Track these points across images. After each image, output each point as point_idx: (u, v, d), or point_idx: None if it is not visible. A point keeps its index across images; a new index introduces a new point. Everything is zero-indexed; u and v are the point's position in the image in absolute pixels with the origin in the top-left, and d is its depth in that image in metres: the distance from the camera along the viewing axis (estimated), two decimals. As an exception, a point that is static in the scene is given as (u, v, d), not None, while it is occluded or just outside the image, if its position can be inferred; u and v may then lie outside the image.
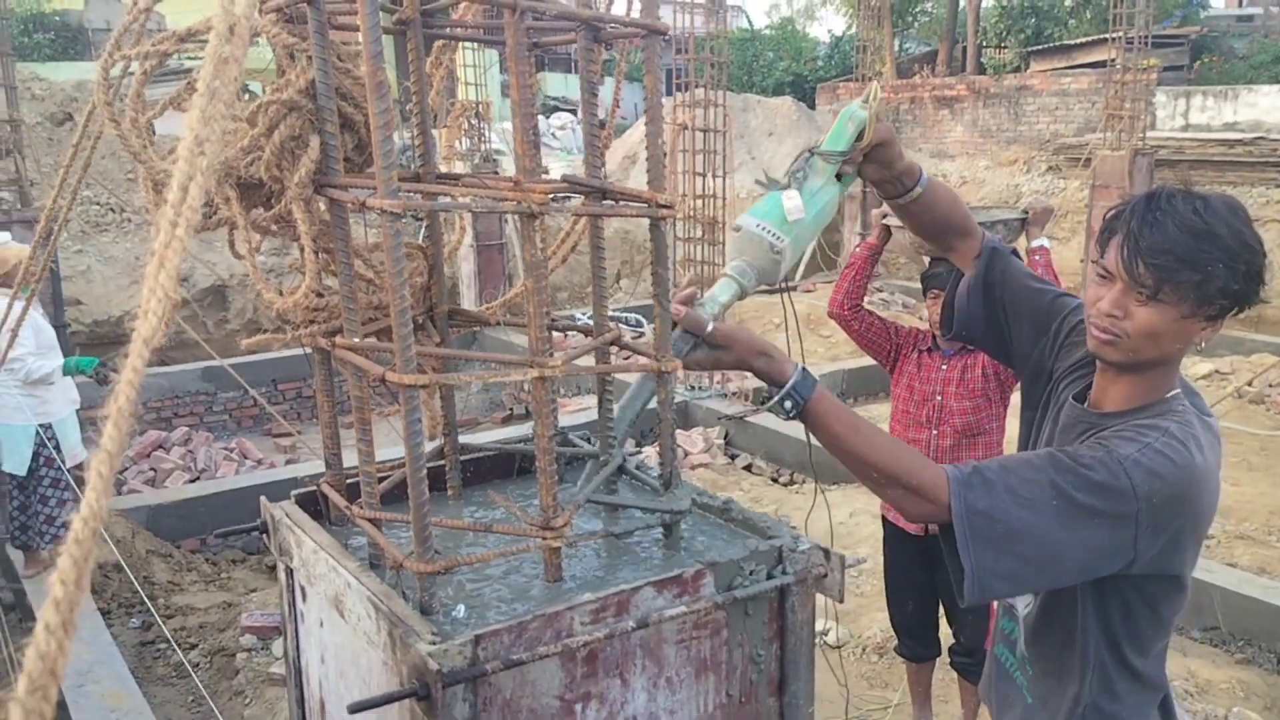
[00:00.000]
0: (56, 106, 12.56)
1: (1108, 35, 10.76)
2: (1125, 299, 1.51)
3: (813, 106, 18.71)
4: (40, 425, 4.94)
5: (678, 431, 7.36)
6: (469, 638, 1.32)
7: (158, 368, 8.56)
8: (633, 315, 10.52)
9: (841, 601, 1.64)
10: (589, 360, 1.67)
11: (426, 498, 1.41)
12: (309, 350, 1.69)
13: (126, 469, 7.36)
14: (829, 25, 37.94)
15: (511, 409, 9.29)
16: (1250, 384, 8.11)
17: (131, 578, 4.72)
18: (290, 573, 1.85)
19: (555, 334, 1.89)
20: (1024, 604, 1.77)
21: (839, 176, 1.74)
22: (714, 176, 8.18)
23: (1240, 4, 25.47)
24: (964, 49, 22.34)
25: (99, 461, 0.59)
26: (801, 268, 12.83)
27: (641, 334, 9.73)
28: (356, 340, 1.56)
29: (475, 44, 1.97)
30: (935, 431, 3.54)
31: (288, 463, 7.71)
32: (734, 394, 7.82)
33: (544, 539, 1.47)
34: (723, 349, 1.61)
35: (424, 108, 1.76)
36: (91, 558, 0.55)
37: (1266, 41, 19.95)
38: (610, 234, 11.11)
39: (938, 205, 1.85)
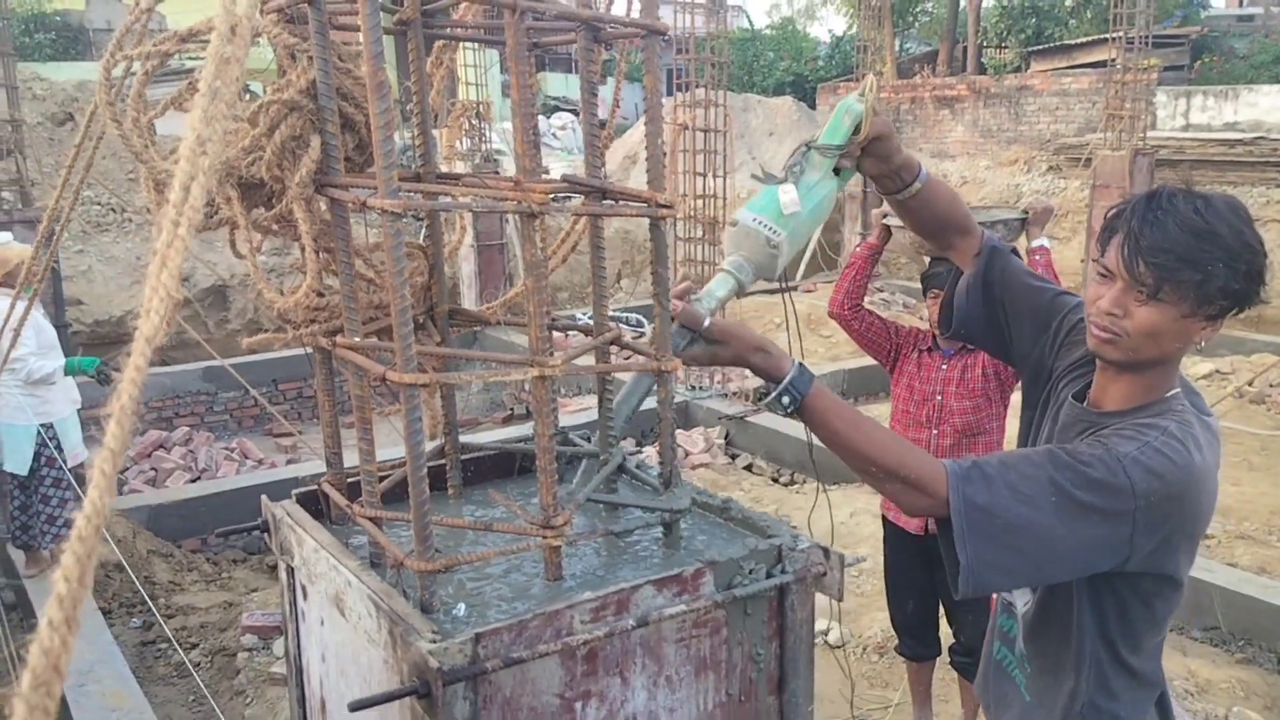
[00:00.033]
0: (57, 106, 12.57)
1: (1108, 35, 10.76)
2: (1125, 298, 1.52)
3: (813, 106, 18.71)
4: (41, 425, 4.94)
5: (678, 431, 7.36)
6: (469, 636, 1.32)
7: (159, 367, 8.56)
8: (633, 315, 10.51)
9: (840, 600, 1.65)
10: (589, 359, 1.68)
11: (427, 496, 1.41)
12: (310, 350, 1.70)
13: (127, 469, 7.37)
14: (829, 25, 37.98)
15: (512, 409, 9.30)
16: (1251, 384, 8.10)
17: (133, 577, 4.73)
18: (291, 571, 1.86)
19: (556, 334, 1.90)
20: (1023, 602, 1.77)
21: (837, 171, 1.73)
22: (714, 176, 8.19)
23: (1241, 4, 25.47)
24: (964, 49, 22.35)
25: (102, 459, 0.59)
26: (802, 268, 12.84)
27: (642, 334, 9.73)
28: (357, 339, 1.56)
29: (476, 44, 1.97)
30: (935, 431, 3.54)
31: (288, 462, 7.71)
32: (735, 394, 7.82)
33: (544, 538, 1.48)
34: (720, 344, 1.61)
35: (424, 108, 1.76)
36: (95, 555, 0.55)
37: (1267, 41, 19.95)
38: (611, 234, 11.12)
39: (937, 202, 1.84)
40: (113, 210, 11.43)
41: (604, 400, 1.75)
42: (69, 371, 5.01)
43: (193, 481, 7.13)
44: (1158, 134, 13.81)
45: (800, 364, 1.59)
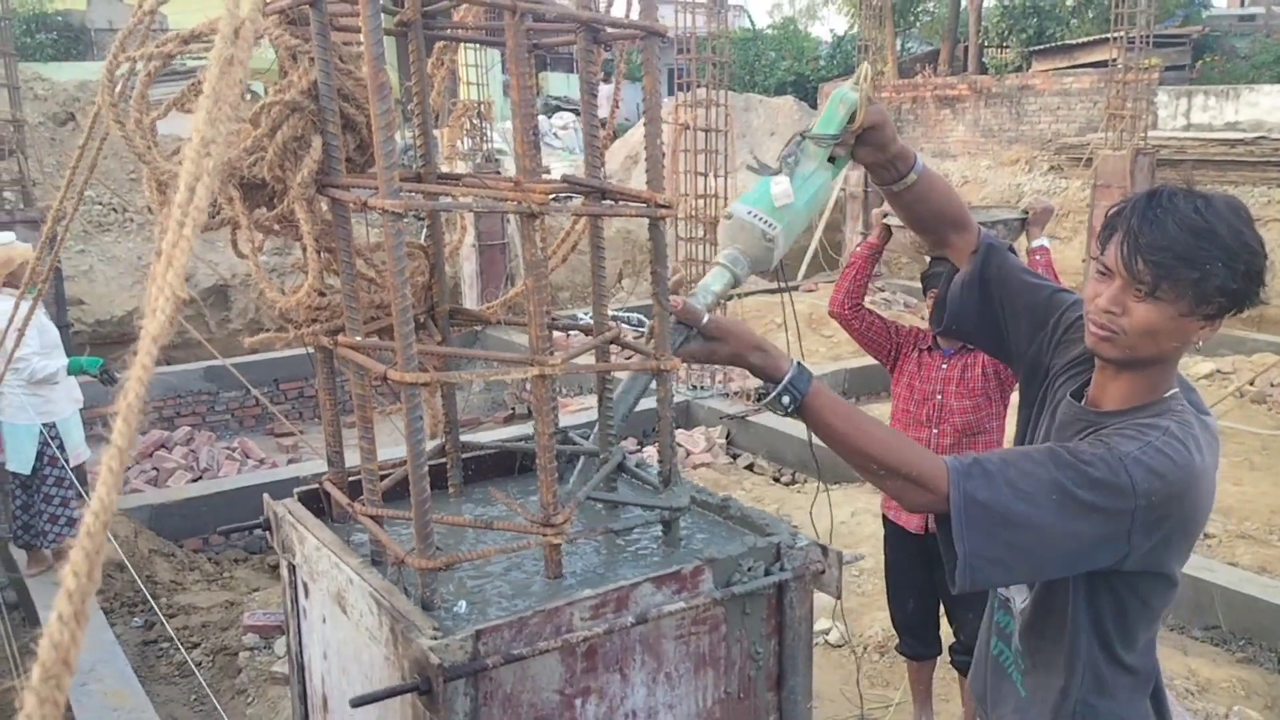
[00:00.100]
0: (59, 106, 12.58)
1: (1109, 35, 10.77)
2: (1123, 296, 1.52)
3: (814, 106, 18.71)
4: (44, 425, 4.96)
5: (680, 431, 7.37)
6: (470, 633, 1.33)
7: (161, 367, 8.53)
8: (635, 315, 10.49)
9: (839, 597, 1.65)
10: (589, 359, 1.69)
11: (428, 495, 1.42)
12: (311, 349, 1.70)
13: (129, 468, 7.37)
14: (831, 25, 38.08)
15: (513, 409, 9.30)
16: (1252, 383, 8.11)
17: (135, 576, 4.74)
18: (293, 569, 1.86)
19: (556, 333, 1.90)
20: (1020, 599, 1.78)
21: (832, 160, 1.73)
22: (716, 176, 8.20)
23: (1242, 3, 25.44)
24: (966, 49, 22.35)
25: (109, 457, 0.60)
26: (803, 268, 12.84)
27: (643, 333, 9.73)
28: (359, 339, 1.57)
29: (477, 44, 1.98)
30: (935, 430, 3.55)
31: (290, 462, 7.72)
32: (736, 393, 7.83)
33: (544, 535, 1.48)
34: (718, 341, 1.62)
35: (425, 108, 1.77)
36: (102, 550, 0.56)
37: (1268, 41, 19.93)
38: (612, 233, 11.13)
39: (933, 195, 1.84)
40: (114, 210, 11.45)
41: (604, 399, 1.76)
42: (72, 371, 5.03)
43: (194, 481, 7.15)
44: (1159, 134, 13.80)
45: (799, 363, 1.60)
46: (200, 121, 0.73)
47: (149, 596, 4.69)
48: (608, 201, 1.59)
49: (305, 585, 1.84)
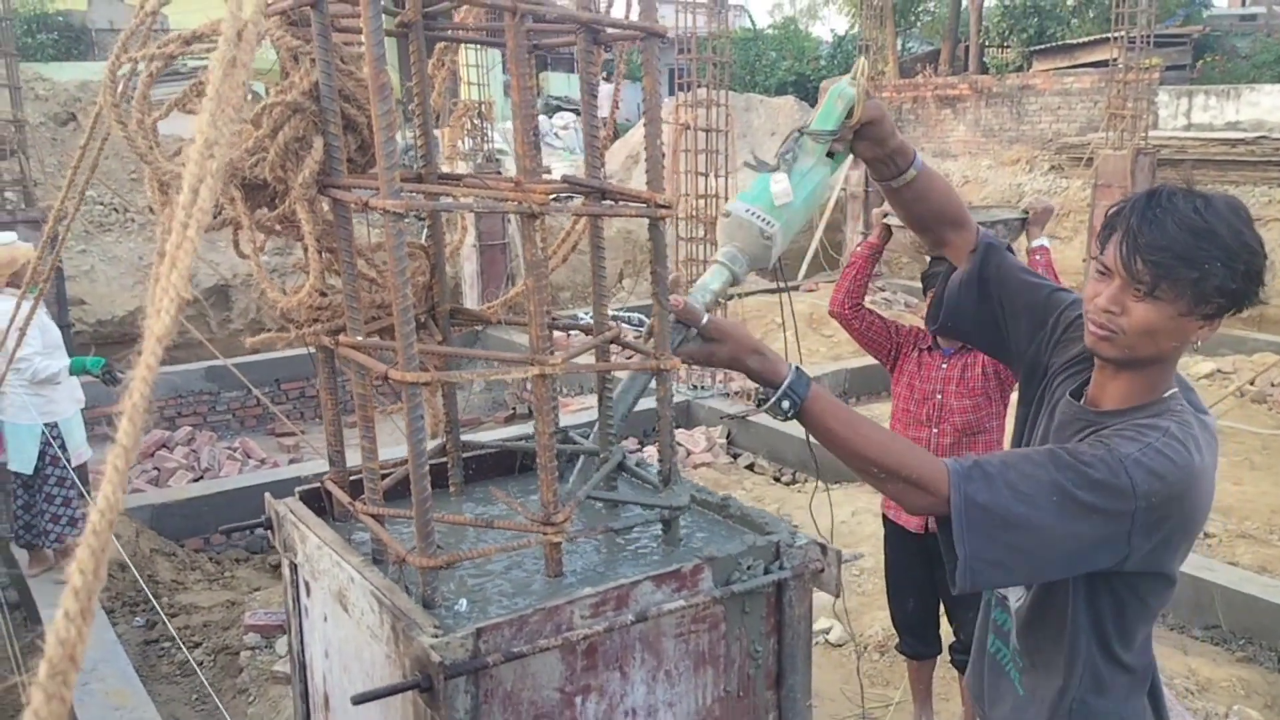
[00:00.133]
0: (60, 107, 12.60)
1: (1110, 34, 10.77)
2: (1122, 295, 1.53)
3: (815, 106, 18.70)
4: (46, 424, 4.97)
5: (680, 431, 7.38)
6: (471, 631, 1.34)
7: (162, 367, 8.54)
8: (636, 315, 10.50)
9: (838, 596, 1.66)
10: (589, 358, 1.69)
11: (429, 494, 1.43)
12: (313, 349, 1.71)
13: (131, 468, 7.39)
14: (831, 25, 38.10)
15: (514, 408, 9.31)
16: (1252, 383, 8.11)
17: (136, 576, 4.75)
18: (294, 568, 1.87)
19: (557, 333, 1.91)
20: (1015, 596, 1.78)
21: (831, 155, 1.73)
22: (716, 176, 8.21)
23: (1243, 3, 25.43)
24: (966, 48, 22.36)
25: (115, 456, 0.61)
26: (803, 267, 12.85)
27: (643, 333, 9.73)
28: (360, 339, 1.58)
29: (478, 45, 1.99)
30: (935, 430, 3.55)
31: (291, 462, 7.73)
32: (736, 393, 7.84)
33: (545, 534, 1.49)
34: (717, 343, 1.62)
35: (426, 109, 1.78)
36: (108, 548, 0.57)
37: (1269, 41, 19.93)
38: (613, 233, 11.13)
39: (932, 193, 1.84)
40: (115, 210, 11.46)
41: (604, 399, 1.77)
42: (75, 371, 5.03)
43: (195, 481, 7.15)
44: (1160, 133, 13.80)
45: (797, 368, 1.60)
46: (204, 123, 0.74)
47: (150, 596, 4.69)
48: (608, 202, 1.59)
49: (307, 584, 1.85)
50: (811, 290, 11.44)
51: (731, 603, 1.58)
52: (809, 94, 21.56)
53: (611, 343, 1.76)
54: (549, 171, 1.76)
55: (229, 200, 1.59)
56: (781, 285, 1.88)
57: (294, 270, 9.24)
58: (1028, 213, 3.60)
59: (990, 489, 1.49)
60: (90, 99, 12.00)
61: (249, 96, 1.66)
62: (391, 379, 1.39)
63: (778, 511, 5.78)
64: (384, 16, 1.60)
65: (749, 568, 1.59)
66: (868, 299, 3.87)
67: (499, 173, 9.96)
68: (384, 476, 1.68)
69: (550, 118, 22.78)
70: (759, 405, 1.64)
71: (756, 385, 1.65)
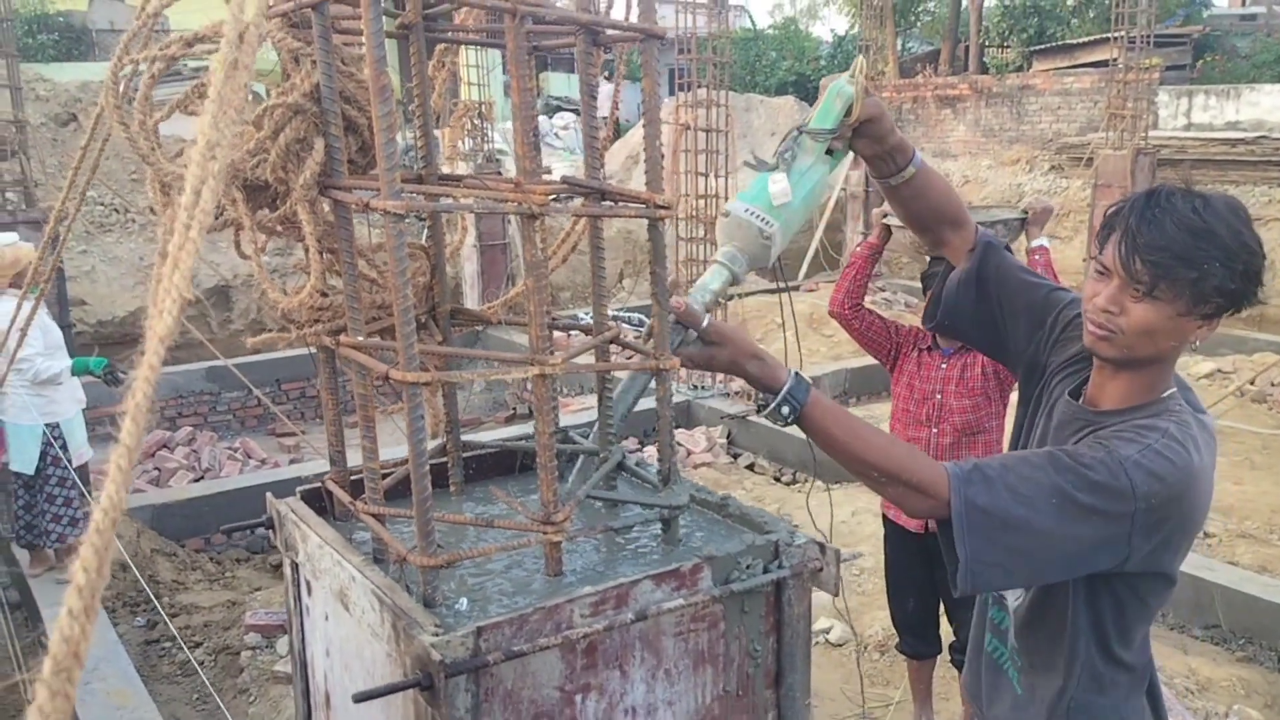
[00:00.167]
0: (60, 107, 12.60)
1: (1110, 34, 10.78)
2: (1121, 295, 1.53)
3: (814, 105, 18.69)
4: (47, 425, 4.97)
5: (680, 431, 7.38)
6: (471, 629, 1.34)
7: (163, 367, 8.58)
8: (636, 315, 10.52)
9: (837, 595, 1.67)
10: (589, 358, 1.70)
11: (429, 493, 1.43)
12: (313, 349, 1.72)
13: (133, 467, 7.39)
14: (832, 25, 38.10)
15: (515, 409, 9.32)
16: (1252, 382, 8.11)
17: (137, 575, 4.75)
18: (295, 568, 1.88)
19: (557, 333, 1.91)
20: (1014, 595, 1.79)
21: (830, 153, 1.73)
22: (716, 176, 8.21)
23: (1243, 3, 25.42)
24: (966, 48, 22.36)
25: (118, 455, 0.61)
26: (804, 268, 12.85)
27: (643, 333, 9.74)
28: (361, 339, 1.59)
29: (478, 46, 1.99)
30: (935, 430, 3.56)
31: (291, 462, 7.74)
32: (737, 393, 7.84)
33: (545, 534, 1.50)
34: (716, 346, 1.62)
35: (426, 110, 1.78)
36: (111, 547, 0.57)
37: (1269, 40, 19.93)
38: (613, 234, 11.14)
39: (931, 191, 1.84)
40: (116, 211, 11.47)
41: (604, 399, 1.77)
42: (77, 372, 5.04)
43: (196, 481, 7.16)
44: (1160, 133, 13.80)
45: (797, 373, 1.60)
46: (205, 124, 0.74)
47: (151, 596, 4.70)
48: (607, 202, 1.60)
49: (308, 583, 1.85)
50: (811, 290, 11.44)
51: (731, 602, 1.59)
52: (809, 94, 21.57)
53: (611, 343, 1.77)
54: (549, 172, 1.76)
55: (230, 201, 1.59)
56: (781, 285, 1.89)
57: (295, 271, 9.24)
58: (1027, 213, 3.60)
59: (990, 492, 1.50)
60: (91, 100, 12.00)
61: (250, 98, 1.67)
62: (392, 379, 1.40)
63: (778, 511, 5.78)
64: (384, 18, 1.61)
65: (748, 567, 1.59)
66: (868, 299, 3.87)
67: (499, 173, 9.97)
68: (385, 476, 1.68)
69: (550, 118, 22.78)
70: (758, 411, 1.64)
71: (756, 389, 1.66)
